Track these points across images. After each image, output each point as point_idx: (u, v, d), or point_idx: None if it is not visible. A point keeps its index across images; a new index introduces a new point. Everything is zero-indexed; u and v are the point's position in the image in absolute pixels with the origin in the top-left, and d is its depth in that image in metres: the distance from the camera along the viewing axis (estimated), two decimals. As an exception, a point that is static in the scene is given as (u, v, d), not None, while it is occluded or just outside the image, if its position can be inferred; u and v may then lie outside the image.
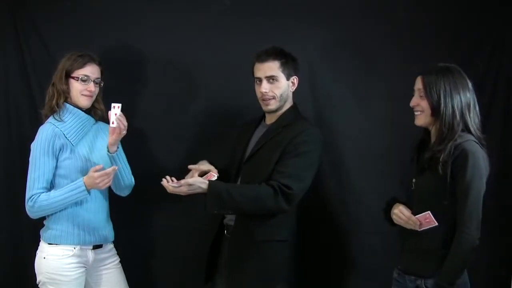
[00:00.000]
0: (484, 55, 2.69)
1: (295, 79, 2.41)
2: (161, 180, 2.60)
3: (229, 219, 2.39)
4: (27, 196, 2.30)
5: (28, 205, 2.29)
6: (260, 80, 2.36)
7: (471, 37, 2.71)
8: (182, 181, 2.21)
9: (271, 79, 2.35)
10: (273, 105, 2.37)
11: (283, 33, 2.77)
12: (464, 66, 2.67)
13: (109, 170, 2.27)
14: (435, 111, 2.08)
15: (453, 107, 2.06)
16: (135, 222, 2.60)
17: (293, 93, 2.45)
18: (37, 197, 2.28)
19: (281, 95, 2.37)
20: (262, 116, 2.50)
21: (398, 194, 2.25)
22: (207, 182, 2.22)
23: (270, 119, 2.44)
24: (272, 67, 2.34)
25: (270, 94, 2.35)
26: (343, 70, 2.78)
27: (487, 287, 2.73)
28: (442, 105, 2.05)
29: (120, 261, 2.51)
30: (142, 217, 2.80)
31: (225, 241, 2.40)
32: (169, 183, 2.22)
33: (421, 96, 2.11)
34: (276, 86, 2.35)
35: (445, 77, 2.07)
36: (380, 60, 2.69)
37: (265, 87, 2.34)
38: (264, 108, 2.39)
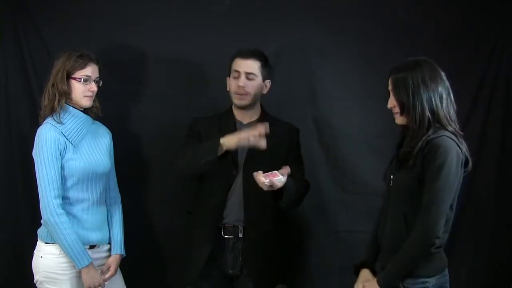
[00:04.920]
0: (484, 55, 2.70)
1: (268, 82, 2.52)
2: (159, 180, 2.71)
3: (234, 220, 2.42)
4: (47, 196, 2.25)
5: (52, 213, 2.25)
6: (238, 74, 2.45)
7: (471, 37, 2.71)
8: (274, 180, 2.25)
9: (250, 76, 2.44)
10: (245, 100, 2.46)
11: (283, 33, 2.78)
12: (464, 66, 2.70)
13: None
14: (403, 109, 2.04)
15: (421, 102, 2.00)
16: (132, 223, 2.60)
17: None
18: (61, 217, 2.25)
19: (255, 94, 2.47)
20: (226, 113, 2.53)
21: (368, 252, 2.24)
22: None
23: (244, 118, 2.51)
24: (253, 65, 2.45)
25: (246, 89, 2.44)
26: (343, 70, 2.79)
27: (487, 287, 2.74)
28: (410, 102, 2.01)
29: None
30: (138, 218, 2.80)
31: (229, 241, 2.43)
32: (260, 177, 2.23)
33: (394, 96, 2.08)
34: (253, 83, 2.45)
35: (413, 72, 2.02)
36: (380, 60, 2.69)
37: (243, 81, 2.44)
38: (236, 102, 2.47)
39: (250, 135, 2.24)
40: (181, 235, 2.75)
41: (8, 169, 2.82)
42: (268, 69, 2.50)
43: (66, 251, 2.27)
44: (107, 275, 2.40)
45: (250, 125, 2.49)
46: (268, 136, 2.42)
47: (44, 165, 2.27)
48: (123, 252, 2.47)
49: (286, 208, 2.40)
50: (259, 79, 2.47)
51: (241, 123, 2.51)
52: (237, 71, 2.45)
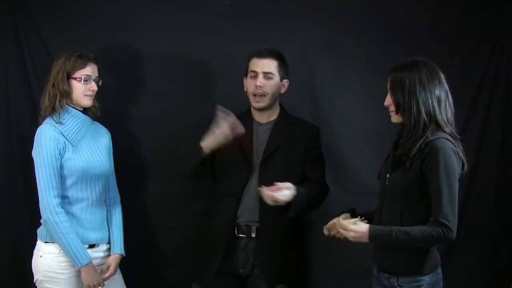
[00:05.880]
0: (484, 55, 2.70)
1: (286, 82, 2.50)
2: (159, 180, 2.71)
3: (248, 220, 2.41)
4: (47, 195, 2.26)
5: (51, 212, 2.26)
6: (256, 74, 2.42)
7: (471, 37, 2.71)
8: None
9: (268, 75, 2.42)
10: (263, 102, 2.44)
11: (283, 33, 2.77)
12: (464, 66, 2.70)
13: None
14: (398, 108, 2.06)
15: (417, 103, 2.01)
16: (132, 223, 2.60)
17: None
18: (61, 216, 2.26)
19: (272, 93, 2.44)
20: (244, 113, 2.51)
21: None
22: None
23: (261, 117, 2.50)
24: (270, 65, 2.43)
25: (264, 90, 2.41)
26: (343, 70, 2.79)
27: (487, 287, 2.74)
28: (406, 102, 2.02)
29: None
30: (138, 218, 2.80)
31: (242, 240, 2.42)
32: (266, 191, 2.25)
33: (390, 95, 2.10)
34: (270, 83, 2.43)
35: (410, 72, 2.03)
36: (380, 60, 2.69)
37: (261, 81, 2.41)
38: (255, 104, 2.46)
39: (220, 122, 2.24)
40: (180, 235, 2.77)
41: (8, 169, 2.82)
42: (285, 68, 2.48)
43: (66, 250, 2.27)
44: (106, 275, 2.40)
45: (268, 124, 2.49)
46: (286, 136, 2.45)
47: (44, 165, 2.27)
48: (122, 252, 2.47)
49: (298, 216, 2.41)
50: (276, 78, 2.44)
51: (259, 123, 2.49)
52: (255, 71, 2.43)
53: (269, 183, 2.31)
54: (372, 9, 2.76)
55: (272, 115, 2.51)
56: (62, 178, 2.31)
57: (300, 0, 2.82)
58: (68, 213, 2.30)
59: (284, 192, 2.25)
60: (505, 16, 2.68)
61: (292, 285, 2.44)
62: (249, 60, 2.47)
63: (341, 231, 2.08)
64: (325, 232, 2.19)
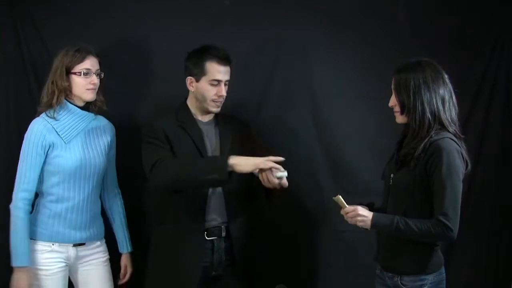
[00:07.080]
0: (484, 55, 2.71)
1: None
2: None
3: (217, 222, 2.38)
4: (16, 188, 2.32)
5: (14, 204, 2.31)
6: (219, 83, 2.38)
7: (471, 37, 2.72)
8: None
9: (226, 83, 2.41)
10: (220, 107, 2.43)
11: (283, 33, 2.77)
12: (464, 66, 2.71)
13: None
14: (404, 109, 2.07)
15: (422, 103, 2.04)
16: (132, 222, 2.60)
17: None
18: (19, 211, 2.29)
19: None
20: (183, 111, 2.46)
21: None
22: None
23: (204, 117, 2.46)
24: (229, 72, 2.41)
25: (224, 97, 2.40)
26: (343, 70, 2.79)
27: (487, 287, 2.74)
28: (411, 102, 2.04)
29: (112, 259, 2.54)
30: (138, 217, 2.79)
31: (213, 243, 2.38)
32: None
33: (395, 96, 2.12)
34: (226, 89, 2.42)
35: (415, 73, 2.05)
36: (380, 60, 2.69)
37: (225, 90, 2.39)
38: (214, 109, 2.42)
39: (269, 164, 2.18)
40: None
41: (8, 169, 2.81)
42: None
43: (12, 244, 2.28)
44: (127, 275, 2.53)
45: (210, 123, 2.46)
46: (233, 133, 2.45)
47: (24, 158, 2.30)
48: (129, 250, 2.55)
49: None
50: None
51: (201, 121, 2.46)
52: (218, 80, 2.37)
53: (234, 181, 2.27)
54: (372, 9, 2.76)
55: (211, 114, 2.48)
56: (48, 175, 2.32)
57: (300, 0, 2.82)
58: (52, 211, 2.32)
59: (285, 173, 2.20)
60: (505, 16, 2.69)
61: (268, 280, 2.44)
62: (203, 60, 2.38)
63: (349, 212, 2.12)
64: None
